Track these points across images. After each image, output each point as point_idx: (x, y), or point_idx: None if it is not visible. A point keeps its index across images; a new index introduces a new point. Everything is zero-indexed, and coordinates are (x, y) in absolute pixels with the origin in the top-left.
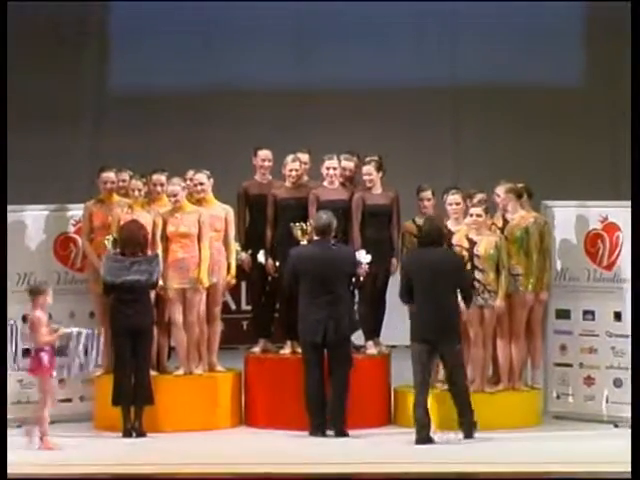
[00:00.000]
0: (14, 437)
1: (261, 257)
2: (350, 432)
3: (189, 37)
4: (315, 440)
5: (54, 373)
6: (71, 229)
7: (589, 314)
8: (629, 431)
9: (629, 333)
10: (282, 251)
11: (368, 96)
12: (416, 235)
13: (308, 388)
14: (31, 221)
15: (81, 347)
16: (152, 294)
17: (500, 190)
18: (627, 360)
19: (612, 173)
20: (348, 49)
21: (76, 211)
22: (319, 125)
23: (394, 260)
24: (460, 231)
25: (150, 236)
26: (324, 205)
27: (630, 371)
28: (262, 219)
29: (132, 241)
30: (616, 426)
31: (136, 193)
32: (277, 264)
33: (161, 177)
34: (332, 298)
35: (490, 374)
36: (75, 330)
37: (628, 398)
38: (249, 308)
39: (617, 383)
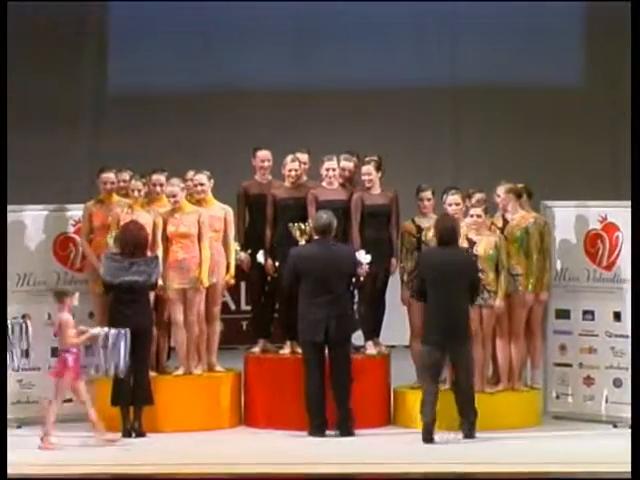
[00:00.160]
0: (14, 437)
1: (260, 257)
2: None
3: (189, 37)
4: (315, 440)
5: (79, 373)
6: (70, 229)
7: (589, 314)
8: (628, 431)
9: (629, 333)
10: (281, 251)
11: (368, 96)
12: (415, 235)
13: (308, 388)
14: (30, 221)
15: (110, 347)
16: (151, 295)
17: (500, 190)
18: (627, 360)
19: (612, 173)
20: (348, 49)
21: (75, 211)
22: (319, 125)
23: (393, 260)
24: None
25: (150, 237)
26: (323, 205)
27: (630, 371)
28: (262, 219)
29: (131, 243)
30: (615, 426)
31: (136, 193)
32: (276, 264)
33: (160, 177)
34: (332, 298)
35: (490, 374)
36: (103, 331)
37: (628, 398)
38: (249, 308)
39: (617, 383)
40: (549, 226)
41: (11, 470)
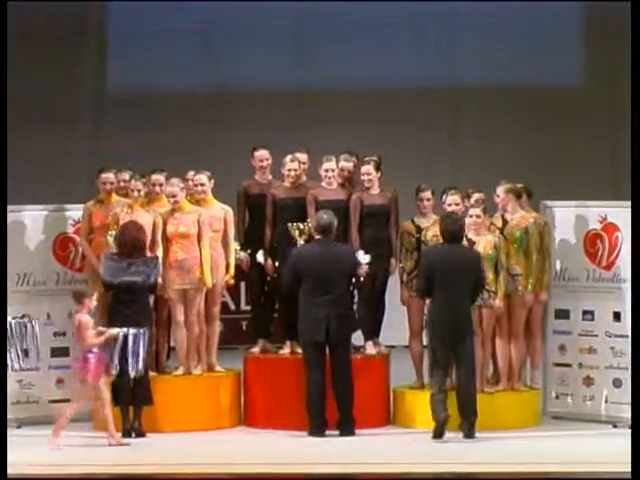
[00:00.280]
0: (14, 437)
1: (260, 257)
2: None
3: (189, 37)
4: (315, 440)
5: (101, 373)
6: (70, 229)
7: (588, 314)
8: (628, 431)
9: (628, 333)
10: (281, 251)
11: (367, 96)
12: (414, 235)
13: (309, 388)
14: (30, 221)
15: (130, 347)
16: (151, 295)
17: (500, 190)
18: (626, 360)
19: (611, 173)
20: (348, 49)
21: (75, 211)
22: (319, 125)
23: (393, 260)
24: None
25: (150, 237)
26: (322, 205)
27: (629, 371)
28: (261, 219)
29: (130, 243)
30: (615, 426)
31: (135, 193)
32: (276, 264)
33: (160, 177)
34: (333, 298)
35: (489, 374)
36: (122, 331)
37: (627, 398)
38: (248, 308)
39: (616, 383)
40: (549, 226)
41: (11, 470)
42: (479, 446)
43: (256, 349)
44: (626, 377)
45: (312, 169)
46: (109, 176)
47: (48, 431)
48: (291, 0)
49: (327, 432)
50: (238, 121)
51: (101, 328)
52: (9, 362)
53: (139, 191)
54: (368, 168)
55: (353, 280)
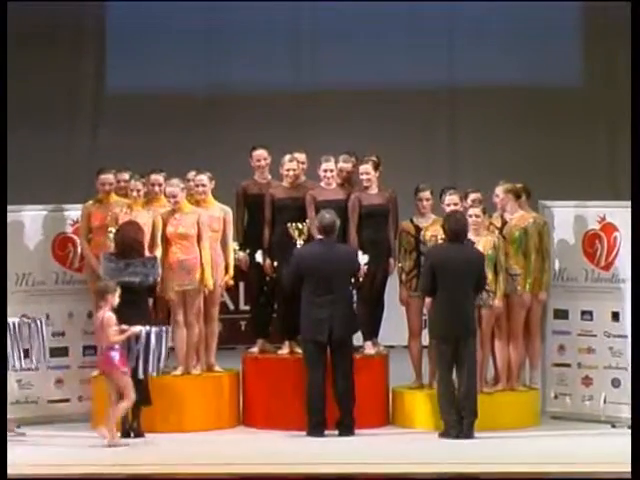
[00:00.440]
0: (14, 437)
1: (259, 257)
2: None
3: (189, 37)
4: (314, 440)
5: (125, 369)
6: (69, 229)
7: (587, 314)
8: (627, 431)
9: (627, 333)
10: (280, 251)
11: (367, 97)
12: (413, 235)
13: (310, 388)
14: (29, 221)
15: (152, 345)
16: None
17: (499, 190)
18: (625, 360)
19: (610, 173)
20: (347, 50)
21: (74, 211)
22: (318, 125)
23: (392, 260)
24: None
25: (149, 237)
26: (321, 205)
27: (628, 371)
28: (260, 219)
29: (127, 243)
30: (614, 426)
31: (135, 193)
32: (275, 264)
33: (159, 177)
34: (335, 297)
35: (488, 374)
36: (145, 329)
37: (626, 398)
38: (247, 308)
39: (615, 383)
40: (548, 226)
41: (11, 470)
42: (478, 446)
43: (255, 349)
44: (625, 377)
45: (311, 169)
46: (108, 177)
47: (48, 431)
48: (291, 0)
49: (326, 432)
50: (237, 121)
51: (124, 326)
52: (11, 361)
53: (138, 191)
54: (366, 168)
55: (352, 280)
